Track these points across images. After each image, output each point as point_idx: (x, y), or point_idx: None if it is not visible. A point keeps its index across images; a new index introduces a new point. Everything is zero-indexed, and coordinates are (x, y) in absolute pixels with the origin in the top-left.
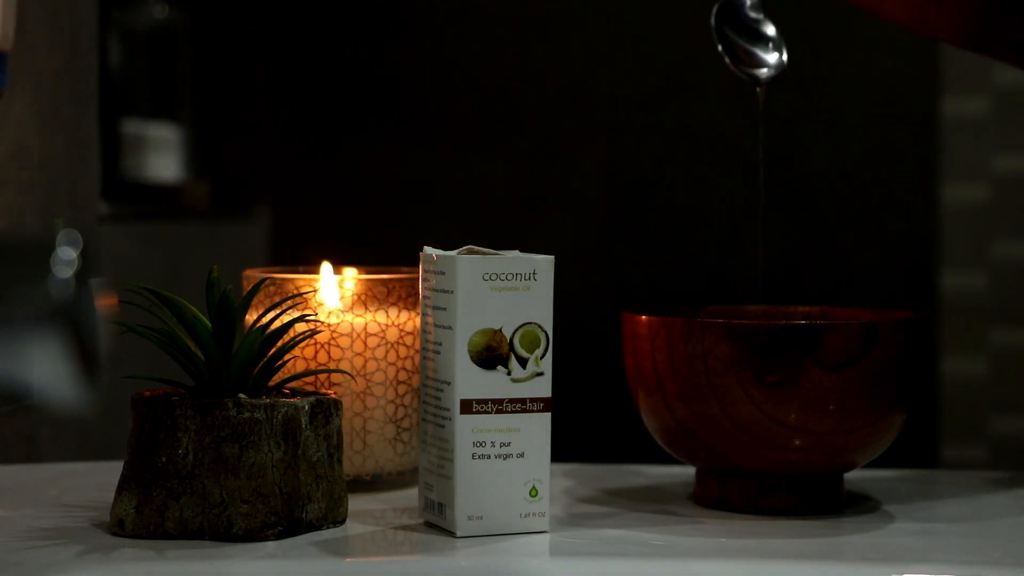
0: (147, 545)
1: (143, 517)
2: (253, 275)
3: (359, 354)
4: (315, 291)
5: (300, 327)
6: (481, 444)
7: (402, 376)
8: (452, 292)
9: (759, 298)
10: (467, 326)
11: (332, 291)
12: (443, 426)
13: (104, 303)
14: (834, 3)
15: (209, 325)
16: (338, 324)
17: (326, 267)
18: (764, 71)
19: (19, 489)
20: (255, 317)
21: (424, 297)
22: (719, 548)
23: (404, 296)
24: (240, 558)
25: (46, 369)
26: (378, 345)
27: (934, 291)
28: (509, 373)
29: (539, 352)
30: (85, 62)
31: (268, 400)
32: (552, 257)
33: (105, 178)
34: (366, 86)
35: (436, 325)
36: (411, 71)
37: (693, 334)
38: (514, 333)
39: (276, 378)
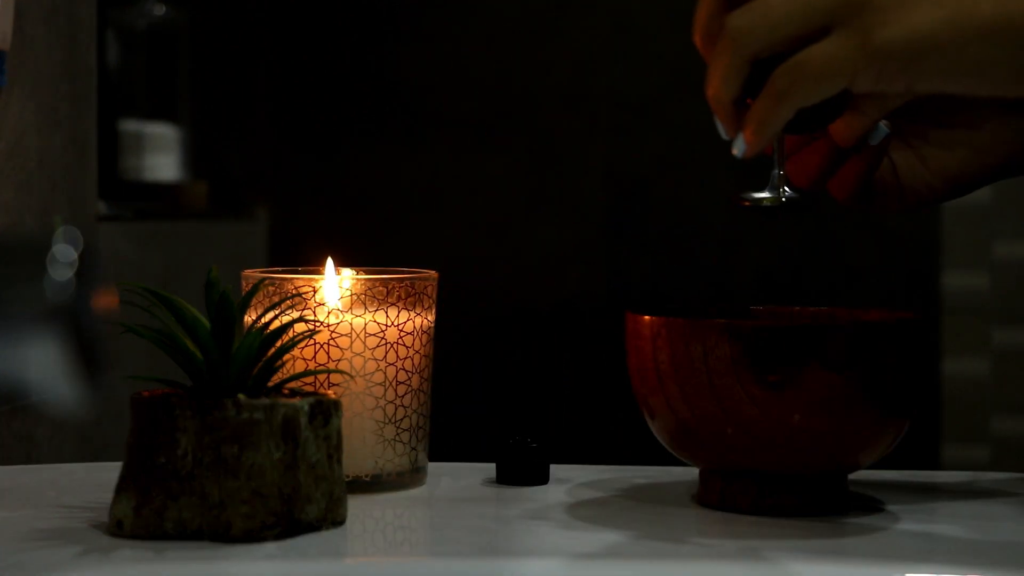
0: (146, 546)
1: (142, 518)
2: (252, 275)
3: (359, 354)
4: (314, 291)
5: (299, 327)
6: None
7: (402, 376)
8: None
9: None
10: None
11: (334, 288)
12: None
13: (103, 303)
14: None
15: (208, 325)
16: (338, 324)
17: (330, 264)
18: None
19: (18, 489)
20: (254, 317)
21: None
22: (722, 549)
23: (404, 296)
24: (240, 559)
25: (45, 369)
26: (378, 345)
27: (934, 291)
28: None
29: None
30: (84, 61)
31: (268, 400)
32: None
33: (103, 178)
34: (365, 87)
35: None
36: (411, 71)
37: (695, 334)
38: None
39: (275, 378)
